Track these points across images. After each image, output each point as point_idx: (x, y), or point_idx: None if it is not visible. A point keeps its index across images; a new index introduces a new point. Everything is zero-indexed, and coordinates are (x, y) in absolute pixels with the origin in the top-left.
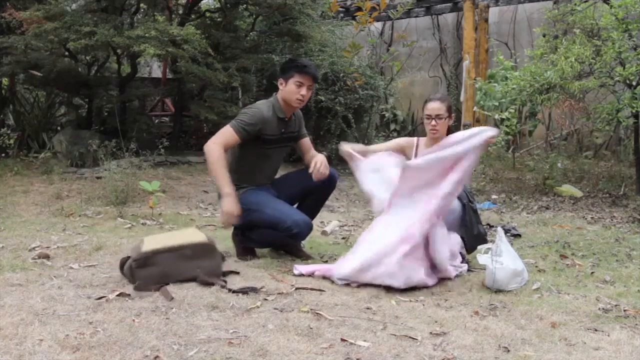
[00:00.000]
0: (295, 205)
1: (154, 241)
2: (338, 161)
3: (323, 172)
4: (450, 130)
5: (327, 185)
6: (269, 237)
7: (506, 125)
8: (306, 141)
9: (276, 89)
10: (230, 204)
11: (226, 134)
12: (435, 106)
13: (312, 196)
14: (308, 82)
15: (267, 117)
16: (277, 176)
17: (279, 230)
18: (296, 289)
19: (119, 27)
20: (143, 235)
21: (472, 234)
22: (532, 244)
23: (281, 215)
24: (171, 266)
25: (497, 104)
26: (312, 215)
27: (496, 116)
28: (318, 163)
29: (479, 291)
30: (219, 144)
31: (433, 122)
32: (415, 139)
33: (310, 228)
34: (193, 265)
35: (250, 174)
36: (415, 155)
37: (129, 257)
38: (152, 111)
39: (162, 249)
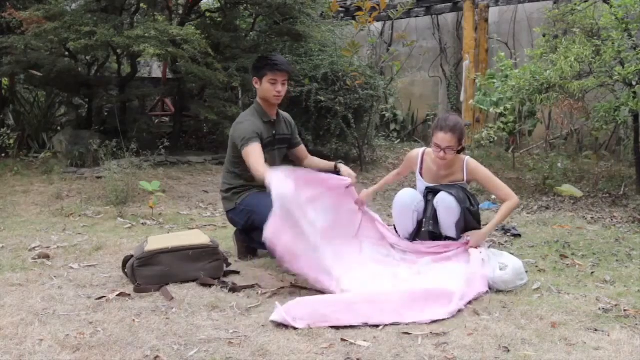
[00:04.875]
0: None
1: (157, 241)
2: None
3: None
4: (463, 149)
5: None
6: None
7: (502, 122)
8: (302, 149)
9: None
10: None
11: (256, 151)
12: (446, 138)
13: None
14: (282, 77)
15: (257, 123)
16: None
17: None
18: (296, 288)
19: (118, 27)
20: (143, 235)
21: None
22: (532, 244)
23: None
24: (173, 267)
25: (494, 99)
26: None
27: (491, 110)
28: (353, 175)
29: None
30: (261, 164)
31: (442, 154)
32: (420, 152)
33: None
34: (195, 267)
35: (250, 177)
36: (421, 171)
37: (132, 256)
38: (152, 111)
39: (165, 249)
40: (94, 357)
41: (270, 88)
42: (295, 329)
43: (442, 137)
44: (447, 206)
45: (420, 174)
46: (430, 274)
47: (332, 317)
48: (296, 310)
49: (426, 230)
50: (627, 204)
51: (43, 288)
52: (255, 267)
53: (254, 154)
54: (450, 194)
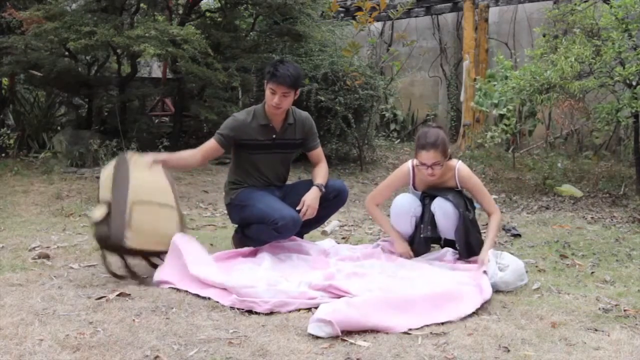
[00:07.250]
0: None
1: None
2: (338, 161)
3: (309, 216)
4: (451, 156)
5: (337, 199)
6: (263, 235)
7: (504, 124)
8: (315, 154)
9: None
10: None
11: (207, 144)
12: (429, 155)
13: (321, 205)
14: (281, 90)
15: (243, 124)
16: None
17: (266, 223)
18: None
19: (119, 27)
20: None
21: (464, 242)
22: (532, 244)
23: (269, 209)
24: None
25: (496, 102)
26: (318, 223)
27: (494, 112)
28: (305, 207)
29: None
30: (198, 151)
31: (429, 171)
32: (409, 166)
33: (296, 224)
34: None
35: (249, 178)
36: (414, 184)
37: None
38: (152, 111)
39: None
40: (94, 357)
41: (269, 97)
42: (295, 328)
43: (426, 156)
44: (444, 212)
45: (414, 187)
46: (425, 271)
47: (385, 322)
48: (342, 318)
49: (424, 236)
50: (627, 204)
51: (43, 288)
52: None
53: (203, 145)
54: (447, 199)
